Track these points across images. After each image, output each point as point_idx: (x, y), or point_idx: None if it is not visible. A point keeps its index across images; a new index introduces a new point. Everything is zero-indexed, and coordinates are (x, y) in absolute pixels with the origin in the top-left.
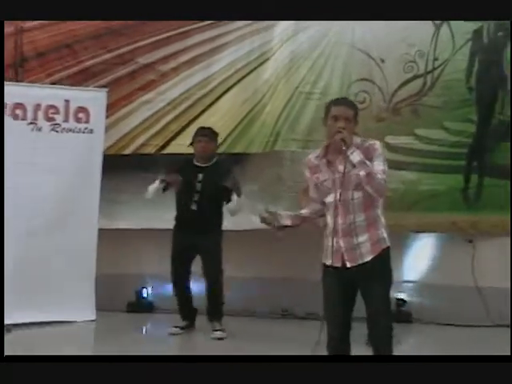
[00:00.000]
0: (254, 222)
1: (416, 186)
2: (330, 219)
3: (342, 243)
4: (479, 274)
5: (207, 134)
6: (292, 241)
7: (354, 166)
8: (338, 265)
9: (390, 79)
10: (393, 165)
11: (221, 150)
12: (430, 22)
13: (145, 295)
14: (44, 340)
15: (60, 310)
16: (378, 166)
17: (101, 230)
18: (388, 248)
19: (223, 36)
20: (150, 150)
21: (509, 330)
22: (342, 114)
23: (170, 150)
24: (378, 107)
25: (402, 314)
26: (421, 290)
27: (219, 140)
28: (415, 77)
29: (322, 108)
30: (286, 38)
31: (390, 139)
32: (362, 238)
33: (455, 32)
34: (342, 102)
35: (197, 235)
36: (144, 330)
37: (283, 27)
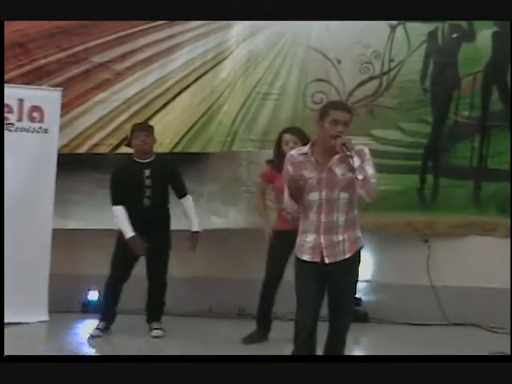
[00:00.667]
0: (213, 222)
1: None
2: (312, 216)
3: (322, 240)
4: (434, 273)
5: (144, 128)
6: (248, 241)
7: (353, 170)
8: (317, 260)
9: (346, 80)
10: None
11: (177, 149)
12: (385, 24)
13: (92, 298)
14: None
15: (12, 311)
16: (369, 170)
17: (54, 230)
18: (361, 248)
19: (179, 35)
20: (104, 149)
21: (463, 328)
22: (342, 119)
23: (124, 149)
24: None
25: (359, 314)
26: (377, 290)
27: (176, 139)
28: (371, 78)
29: (279, 108)
30: (243, 38)
31: None
32: (342, 237)
33: (410, 33)
34: (341, 106)
35: (148, 234)
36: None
37: (240, 27)
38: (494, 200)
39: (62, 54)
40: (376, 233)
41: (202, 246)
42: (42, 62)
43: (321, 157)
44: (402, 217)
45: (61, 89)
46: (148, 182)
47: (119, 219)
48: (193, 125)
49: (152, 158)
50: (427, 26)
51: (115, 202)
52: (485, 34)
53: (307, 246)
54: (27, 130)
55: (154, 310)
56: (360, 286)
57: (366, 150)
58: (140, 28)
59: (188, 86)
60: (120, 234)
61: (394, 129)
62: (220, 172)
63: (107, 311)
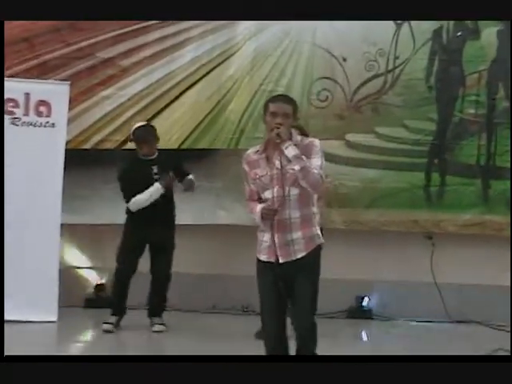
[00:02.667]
0: (221, 218)
1: (376, 183)
2: None
3: (276, 239)
4: (438, 270)
5: (148, 136)
6: (251, 238)
7: (289, 160)
8: (272, 260)
9: (351, 78)
10: (353, 162)
11: (185, 145)
12: (390, 22)
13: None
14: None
15: (21, 310)
16: (316, 162)
17: (61, 225)
18: (321, 245)
19: (185, 32)
20: (110, 145)
21: (466, 325)
22: (280, 111)
23: (130, 145)
24: (340, 105)
25: (362, 310)
26: (381, 287)
27: (183, 136)
28: (376, 75)
29: None
30: (250, 36)
31: (350, 137)
32: (296, 235)
33: (415, 31)
34: (279, 98)
35: (153, 229)
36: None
37: (247, 24)
38: (504, 199)
39: (67, 49)
40: (380, 230)
41: (206, 242)
42: (48, 57)
43: (271, 152)
44: (408, 214)
45: (68, 82)
46: (157, 178)
47: (141, 200)
48: (200, 121)
49: (157, 154)
50: (432, 24)
51: (129, 199)
52: (490, 31)
53: (264, 245)
54: (34, 125)
55: (155, 305)
56: (364, 283)
57: (316, 142)
58: (146, 24)
59: (195, 83)
60: (126, 227)
61: (398, 126)
62: (228, 168)
63: (118, 305)
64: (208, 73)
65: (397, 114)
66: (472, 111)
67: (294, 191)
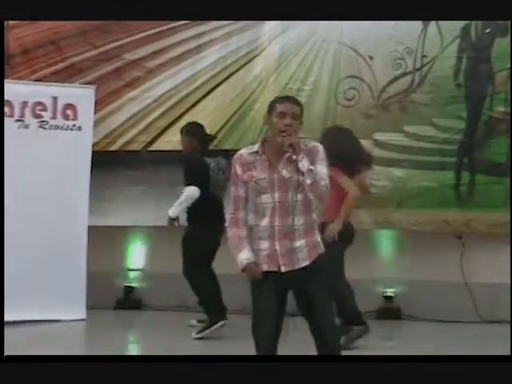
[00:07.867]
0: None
1: (405, 182)
2: (265, 221)
3: (277, 246)
4: (468, 270)
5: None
6: None
7: (302, 173)
8: (274, 269)
9: (378, 76)
10: (381, 162)
11: (211, 146)
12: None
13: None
14: (32, 339)
15: (49, 309)
16: (321, 169)
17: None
18: (322, 254)
19: (211, 32)
20: (137, 146)
21: (496, 325)
22: (289, 111)
23: (156, 146)
24: (367, 104)
25: (391, 311)
26: (410, 286)
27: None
28: (404, 74)
29: (311, 105)
30: (275, 35)
31: (378, 136)
32: (300, 243)
33: (443, 29)
34: (288, 98)
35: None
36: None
37: (272, 24)
38: None
39: (94, 52)
40: (410, 230)
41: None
42: (75, 59)
43: (272, 156)
44: (438, 214)
45: (94, 86)
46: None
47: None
48: (226, 122)
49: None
50: (460, 21)
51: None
52: None
53: (262, 254)
54: (61, 128)
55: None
56: (393, 282)
57: (320, 148)
58: (172, 25)
59: (220, 84)
60: (188, 230)
61: (427, 125)
62: None
63: (214, 306)
64: (233, 73)
65: (425, 113)
66: (501, 109)
67: (299, 197)
